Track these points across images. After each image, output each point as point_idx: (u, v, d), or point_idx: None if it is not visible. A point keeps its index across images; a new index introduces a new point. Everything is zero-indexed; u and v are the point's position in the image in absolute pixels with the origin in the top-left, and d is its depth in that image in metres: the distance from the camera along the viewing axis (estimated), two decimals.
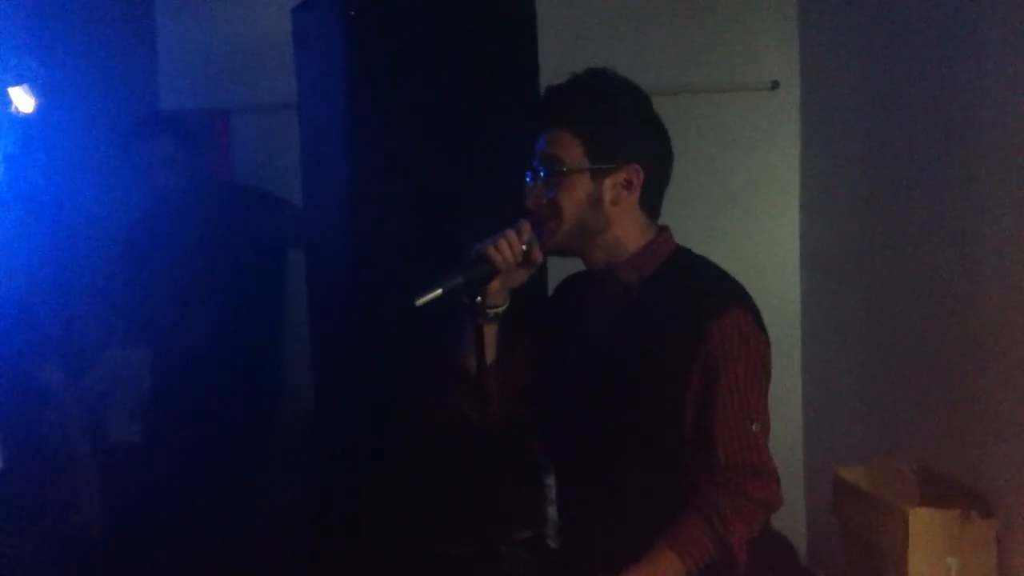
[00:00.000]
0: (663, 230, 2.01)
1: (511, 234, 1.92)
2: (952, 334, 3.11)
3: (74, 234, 3.43)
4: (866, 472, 3.17)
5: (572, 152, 1.92)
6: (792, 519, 3.84)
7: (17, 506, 3.23)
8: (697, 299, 1.90)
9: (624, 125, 1.95)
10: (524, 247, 1.93)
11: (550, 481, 2.77)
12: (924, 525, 2.82)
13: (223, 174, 3.72)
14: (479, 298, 1.93)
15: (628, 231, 1.96)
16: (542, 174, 1.94)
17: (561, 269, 2.15)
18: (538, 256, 1.95)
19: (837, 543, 3.28)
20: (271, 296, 3.51)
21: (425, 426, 2.63)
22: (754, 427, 1.87)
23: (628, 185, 1.94)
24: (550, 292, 2.33)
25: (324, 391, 3.12)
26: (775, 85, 3.87)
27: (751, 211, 3.92)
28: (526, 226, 1.93)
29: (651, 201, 1.98)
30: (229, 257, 3.36)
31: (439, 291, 1.88)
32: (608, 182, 1.93)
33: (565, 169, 1.92)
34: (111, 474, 3.49)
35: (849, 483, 3.14)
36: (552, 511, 2.74)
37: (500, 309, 2.00)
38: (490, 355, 2.01)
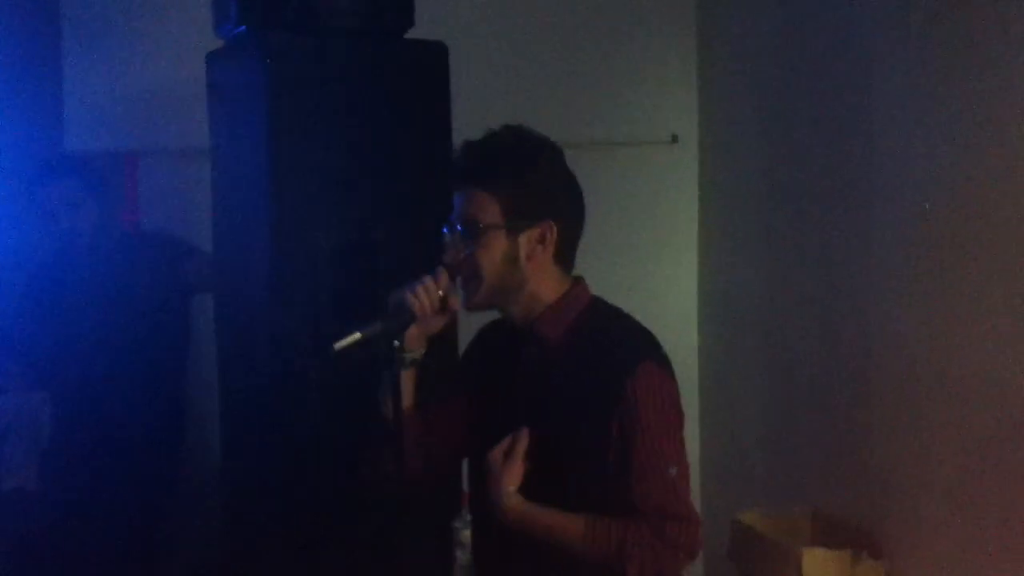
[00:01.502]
0: (578, 281, 2.06)
1: (429, 282, 1.96)
2: (844, 383, 3.22)
3: None
4: (763, 517, 3.24)
5: (489, 210, 1.97)
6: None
7: None
8: (612, 355, 1.96)
9: (539, 183, 2.00)
10: (441, 294, 1.97)
11: (458, 524, 2.79)
12: (817, 565, 2.91)
13: (130, 218, 3.68)
14: (396, 343, 1.97)
15: (543, 285, 2.01)
16: (459, 230, 1.99)
17: (473, 317, 2.20)
18: (456, 303, 2.00)
19: None
20: (177, 342, 3.47)
21: (334, 476, 2.64)
22: (671, 471, 1.94)
23: (542, 240, 1.99)
24: (460, 341, 2.38)
25: (231, 440, 3.09)
26: (675, 139, 3.99)
27: (651, 262, 4.01)
28: (444, 274, 1.97)
29: (565, 254, 2.03)
30: (134, 302, 3.32)
31: (357, 336, 1.91)
32: (523, 238, 1.98)
33: (482, 226, 1.96)
34: (4, 520, 3.40)
35: (746, 527, 3.20)
36: (460, 554, 2.77)
37: (417, 355, 2.04)
38: (407, 401, 2.04)
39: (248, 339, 2.85)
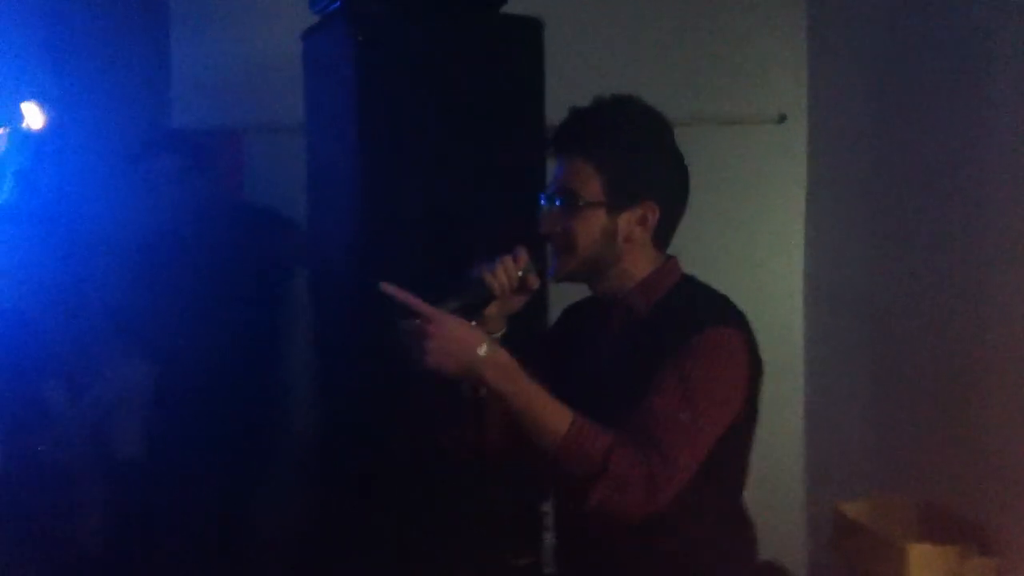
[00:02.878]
0: (670, 259, 2.01)
1: (508, 260, 1.93)
2: (956, 370, 3.11)
3: (82, 250, 3.45)
4: (867, 507, 3.17)
5: (590, 185, 1.91)
6: (794, 553, 3.82)
7: (17, 524, 3.23)
8: (689, 319, 1.89)
9: (644, 161, 1.94)
10: (520, 274, 1.93)
11: (547, 507, 2.77)
12: (924, 561, 2.82)
13: (234, 193, 3.75)
14: (475, 323, 1.93)
15: (636, 263, 1.96)
16: (558, 203, 1.94)
17: (563, 293, 2.16)
18: (534, 283, 1.95)
19: None
20: (278, 314, 3.53)
21: (427, 450, 2.64)
22: (683, 416, 1.80)
23: (643, 221, 1.93)
24: (550, 318, 2.34)
25: (329, 410, 3.13)
26: (782, 118, 3.89)
27: (756, 243, 3.93)
28: (523, 253, 1.94)
29: (664, 236, 1.98)
30: (238, 275, 3.39)
31: None
32: (623, 218, 1.92)
33: (582, 203, 1.91)
34: (115, 491, 3.49)
35: (850, 518, 3.13)
36: (549, 537, 2.75)
37: (497, 335, 1.99)
38: None
39: (340, 312, 2.88)
